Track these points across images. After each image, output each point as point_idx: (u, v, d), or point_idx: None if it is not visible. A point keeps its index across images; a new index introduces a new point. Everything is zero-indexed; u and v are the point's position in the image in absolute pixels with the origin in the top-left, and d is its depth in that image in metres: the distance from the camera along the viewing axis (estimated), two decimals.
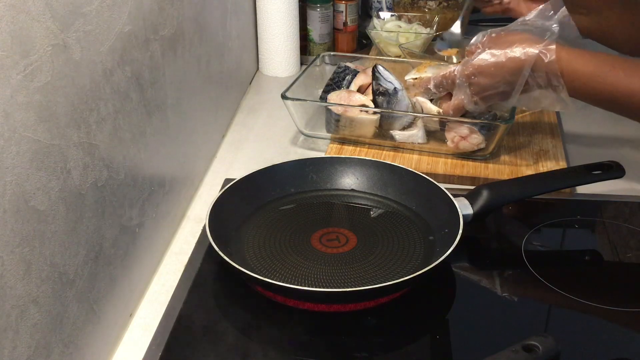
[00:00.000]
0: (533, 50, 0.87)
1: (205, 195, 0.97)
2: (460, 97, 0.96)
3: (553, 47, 0.87)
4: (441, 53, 1.34)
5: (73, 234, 0.60)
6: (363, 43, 1.53)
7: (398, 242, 0.82)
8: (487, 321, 0.74)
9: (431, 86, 1.00)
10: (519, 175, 0.96)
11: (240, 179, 0.87)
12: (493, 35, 0.93)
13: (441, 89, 0.99)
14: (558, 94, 0.88)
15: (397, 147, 1.05)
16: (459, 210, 0.80)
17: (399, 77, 1.08)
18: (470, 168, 1.01)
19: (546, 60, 0.86)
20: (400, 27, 1.43)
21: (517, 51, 0.89)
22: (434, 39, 1.39)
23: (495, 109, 1.00)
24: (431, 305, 0.76)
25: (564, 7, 0.94)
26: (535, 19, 0.98)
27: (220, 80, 1.11)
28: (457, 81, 0.95)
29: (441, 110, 1.02)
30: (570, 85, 0.86)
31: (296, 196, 0.91)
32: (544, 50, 0.87)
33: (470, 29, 1.53)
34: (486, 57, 0.91)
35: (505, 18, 1.64)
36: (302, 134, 1.12)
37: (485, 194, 0.84)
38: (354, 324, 0.72)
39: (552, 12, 0.97)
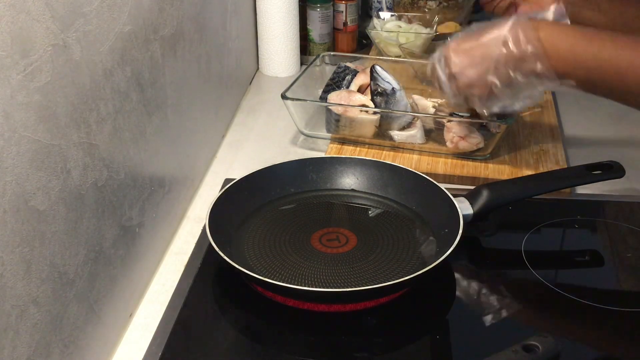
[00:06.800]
0: (509, 20, 0.83)
1: (205, 195, 0.97)
2: (437, 69, 0.89)
3: (530, 17, 0.83)
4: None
5: (73, 234, 0.60)
6: (363, 43, 1.53)
7: (398, 242, 0.82)
8: (487, 321, 0.74)
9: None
10: (519, 175, 0.96)
11: (240, 179, 0.87)
12: (475, 24, 0.88)
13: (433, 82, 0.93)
14: (537, 72, 0.82)
15: (397, 147, 1.05)
16: (459, 210, 0.80)
17: (398, 77, 1.08)
18: (470, 168, 1.01)
19: (521, 23, 0.81)
20: (400, 27, 1.43)
21: (496, 25, 0.84)
22: (434, 38, 1.39)
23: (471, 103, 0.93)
24: (431, 305, 0.76)
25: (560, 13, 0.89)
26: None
27: (220, 80, 1.11)
28: (435, 58, 0.89)
29: (436, 104, 1.02)
30: (552, 52, 0.80)
31: (296, 196, 0.91)
32: (520, 18, 0.82)
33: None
34: (466, 32, 0.87)
35: None
36: (302, 134, 1.12)
37: (485, 194, 0.84)
38: (354, 324, 0.72)
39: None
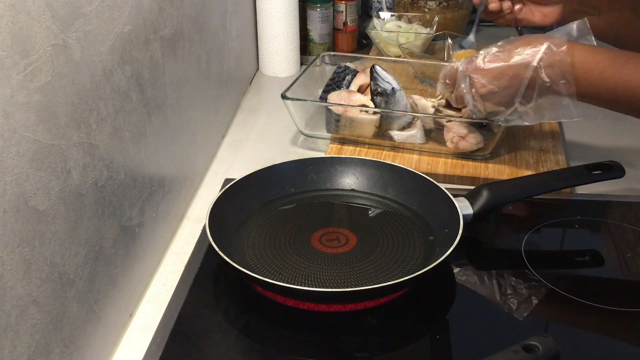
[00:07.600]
0: (543, 43, 0.84)
1: (205, 195, 0.97)
2: (461, 87, 0.91)
3: (564, 39, 0.84)
4: (458, 53, 1.32)
5: (73, 234, 0.60)
6: (363, 43, 1.53)
7: (398, 242, 0.82)
8: (487, 321, 0.74)
9: (438, 85, 0.98)
10: (519, 175, 0.96)
11: (240, 179, 0.87)
12: (503, 42, 0.89)
13: (447, 85, 0.96)
14: (563, 98, 0.84)
15: (397, 147, 1.05)
16: (459, 210, 0.80)
17: (398, 77, 1.08)
18: (470, 168, 1.01)
19: (557, 50, 0.83)
20: (400, 27, 1.44)
21: (527, 45, 0.85)
22: (434, 39, 1.39)
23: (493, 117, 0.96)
24: (431, 305, 0.76)
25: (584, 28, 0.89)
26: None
27: (220, 80, 1.11)
28: (459, 74, 0.91)
29: (435, 103, 1.02)
30: (582, 79, 0.82)
31: (296, 196, 0.91)
32: (555, 42, 0.84)
33: (470, 30, 1.53)
34: (493, 51, 0.88)
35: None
36: (302, 134, 1.12)
37: (485, 194, 0.83)
38: (354, 324, 0.72)
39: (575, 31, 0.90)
